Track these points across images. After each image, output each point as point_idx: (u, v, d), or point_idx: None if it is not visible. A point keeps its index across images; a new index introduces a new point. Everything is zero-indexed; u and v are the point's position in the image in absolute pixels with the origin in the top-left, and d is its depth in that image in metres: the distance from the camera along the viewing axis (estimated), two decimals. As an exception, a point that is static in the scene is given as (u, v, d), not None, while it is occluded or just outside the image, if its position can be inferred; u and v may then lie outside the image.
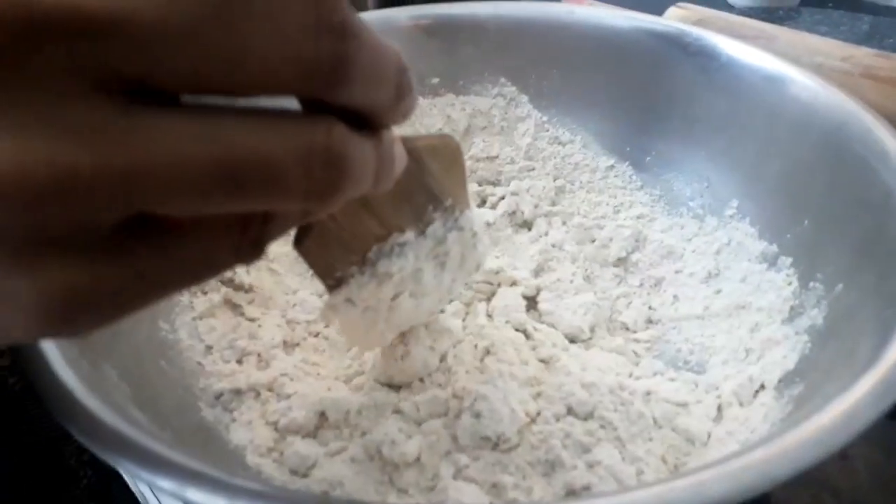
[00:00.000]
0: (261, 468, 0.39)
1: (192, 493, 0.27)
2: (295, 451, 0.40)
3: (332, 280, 0.35)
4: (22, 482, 0.45)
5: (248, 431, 0.41)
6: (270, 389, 0.44)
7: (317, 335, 0.49)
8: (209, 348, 0.46)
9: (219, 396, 0.43)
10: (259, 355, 0.46)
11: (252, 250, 0.21)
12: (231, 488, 0.27)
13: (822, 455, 0.27)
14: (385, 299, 0.37)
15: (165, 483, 0.27)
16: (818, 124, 0.47)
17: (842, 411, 0.28)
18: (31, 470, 0.46)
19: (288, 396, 0.43)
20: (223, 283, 0.49)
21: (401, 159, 0.24)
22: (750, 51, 0.51)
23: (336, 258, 0.34)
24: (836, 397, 0.29)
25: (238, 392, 0.43)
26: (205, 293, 0.48)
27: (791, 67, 0.49)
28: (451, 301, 0.50)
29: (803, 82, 0.48)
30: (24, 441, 0.45)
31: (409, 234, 0.36)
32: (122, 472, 0.28)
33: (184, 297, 0.47)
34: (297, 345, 0.48)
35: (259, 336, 0.47)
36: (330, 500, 0.29)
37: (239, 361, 0.45)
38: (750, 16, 0.75)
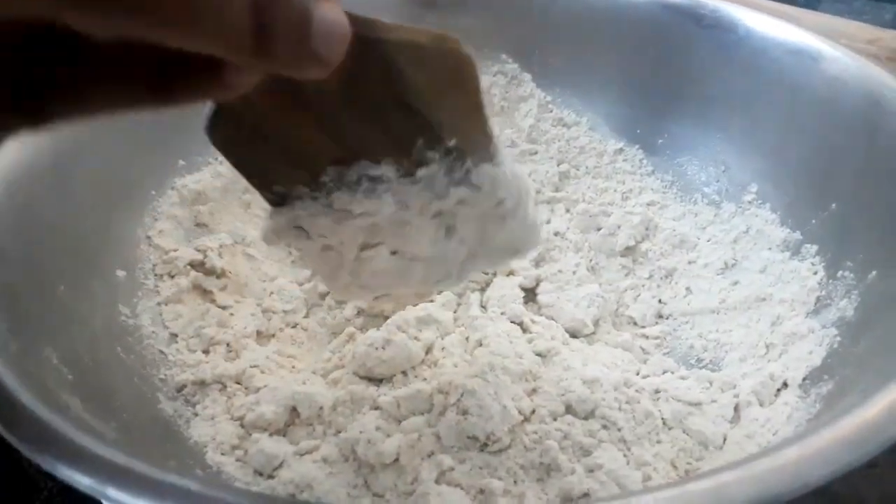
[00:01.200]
0: (221, 467, 0.35)
1: (113, 491, 0.23)
2: (260, 450, 0.36)
3: (271, 193, 0.28)
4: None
5: (210, 427, 0.37)
6: (238, 382, 0.40)
7: (295, 326, 0.45)
8: (174, 336, 0.42)
9: (181, 389, 0.39)
10: (228, 345, 0.42)
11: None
12: (159, 488, 0.23)
13: (865, 455, 0.23)
14: (350, 244, 0.29)
15: (83, 479, 0.23)
16: (848, 100, 0.43)
17: (888, 405, 0.24)
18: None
19: (257, 390, 0.39)
20: (193, 266, 0.44)
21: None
22: (771, 23, 0.47)
23: (268, 164, 0.27)
24: (879, 391, 0.25)
25: (202, 384, 0.39)
26: (172, 277, 0.44)
27: (817, 40, 0.45)
28: (464, 281, 0.40)
29: (832, 55, 0.44)
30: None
31: (387, 169, 0.27)
32: (40, 464, 0.24)
33: (148, 281, 0.43)
34: (273, 336, 0.44)
35: (230, 325, 0.43)
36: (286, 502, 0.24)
37: (205, 351, 0.41)
38: (769, 1, 0.71)
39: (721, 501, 0.22)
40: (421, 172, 0.27)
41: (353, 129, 0.26)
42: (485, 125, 0.27)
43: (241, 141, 0.26)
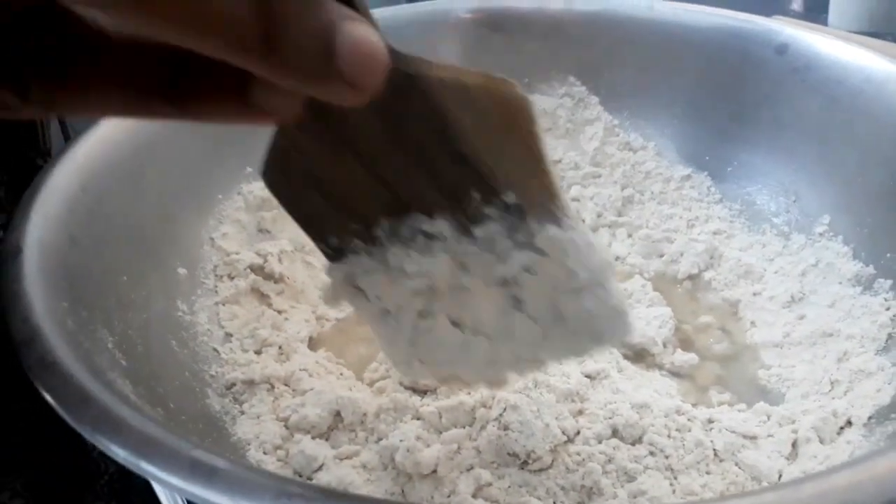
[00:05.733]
0: (262, 465, 0.36)
1: (146, 465, 0.23)
2: (301, 451, 0.36)
3: (326, 245, 0.26)
4: (45, 474, 0.43)
5: (255, 425, 0.38)
6: (286, 384, 0.40)
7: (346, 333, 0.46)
8: (228, 336, 0.42)
9: (230, 386, 0.40)
10: (280, 348, 0.42)
11: None
12: (194, 463, 0.23)
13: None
14: (407, 309, 0.26)
15: (119, 451, 0.24)
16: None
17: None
18: (55, 462, 0.44)
19: (303, 392, 0.39)
20: (252, 270, 0.46)
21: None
22: (849, 49, 0.45)
23: (322, 212, 0.25)
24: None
25: (251, 383, 0.40)
26: (231, 278, 0.45)
27: (898, 67, 0.43)
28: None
29: (913, 83, 0.42)
30: (47, 432, 0.43)
31: (441, 225, 0.24)
32: (81, 432, 0.25)
33: (208, 280, 0.44)
34: (325, 342, 0.45)
35: (284, 328, 0.44)
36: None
37: (258, 352, 0.42)
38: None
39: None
40: (478, 231, 0.25)
41: (403, 176, 0.24)
42: (546, 178, 0.24)
43: (294, 186, 0.25)
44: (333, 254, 0.27)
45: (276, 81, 0.17)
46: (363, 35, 0.17)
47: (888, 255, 0.40)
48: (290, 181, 0.25)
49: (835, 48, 0.46)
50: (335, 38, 0.16)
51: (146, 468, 0.23)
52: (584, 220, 0.25)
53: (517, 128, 0.23)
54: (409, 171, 0.24)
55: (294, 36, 0.16)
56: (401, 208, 0.25)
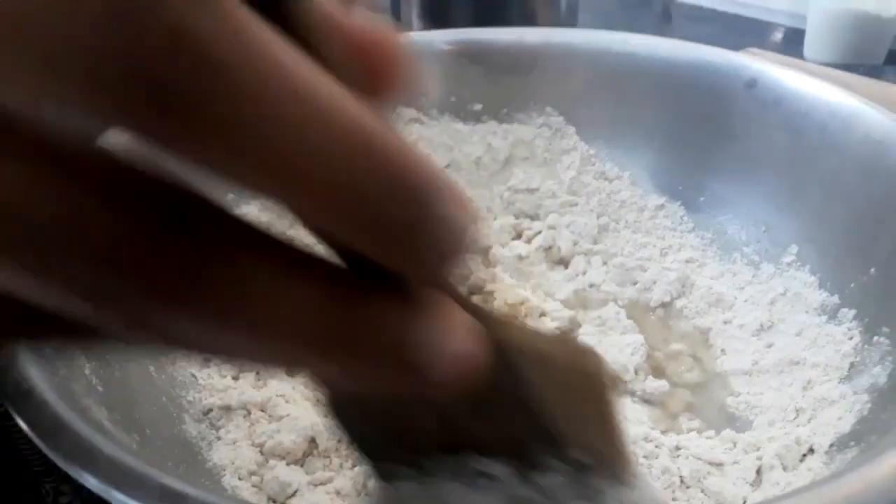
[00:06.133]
0: (237, 491, 0.36)
1: (118, 494, 0.24)
2: (275, 477, 0.36)
3: (376, 465, 0.24)
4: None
5: (230, 451, 0.38)
6: (263, 409, 0.41)
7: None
8: (206, 360, 0.43)
9: (207, 412, 0.40)
10: (258, 373, 0.43)
11: None
12: (164, 491, 0.24)
13: None
14: None
15: (90, 479, 0.24)
16: (891, 164, 0.42)
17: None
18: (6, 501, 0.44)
19: (280, 418, 0.40)
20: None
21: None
22: (816, 84, 0.46)
23: (378, 438, 0.24)
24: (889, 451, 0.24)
25: (228, 409, 0.40)
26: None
27: (862, 104, 0.44)
28: None
29: (874, 118, 0.43)
30: (3, 469, 0.43)
31: (499, 468, 0.23)
32: (55, 460, 0.25)
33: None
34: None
35: (262, 354, 0.44)
36: None
37: (235, 378, 0.43)
38: (828, 68, 0.71)
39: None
40: (538, 479, 0.23)
41: (466, 422, 0.22)
42: (618, 444, 0.23)
43: (354, 416, 0.23)
44: (381, 474, 0.24)
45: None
46: (463, 347, 0.13)
47: (852, 284, 0.41)
48: (351, 412, 0.23)
49: (802, 83, 0.47)
50: (426, 353, 0.13)
51: (116, 496, 0.24)
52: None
53: (592, 394, 0.23)
54: (474, 419, 0.22)
55: (375, 348, 0.12)
56: (458, 448, 0.23)
